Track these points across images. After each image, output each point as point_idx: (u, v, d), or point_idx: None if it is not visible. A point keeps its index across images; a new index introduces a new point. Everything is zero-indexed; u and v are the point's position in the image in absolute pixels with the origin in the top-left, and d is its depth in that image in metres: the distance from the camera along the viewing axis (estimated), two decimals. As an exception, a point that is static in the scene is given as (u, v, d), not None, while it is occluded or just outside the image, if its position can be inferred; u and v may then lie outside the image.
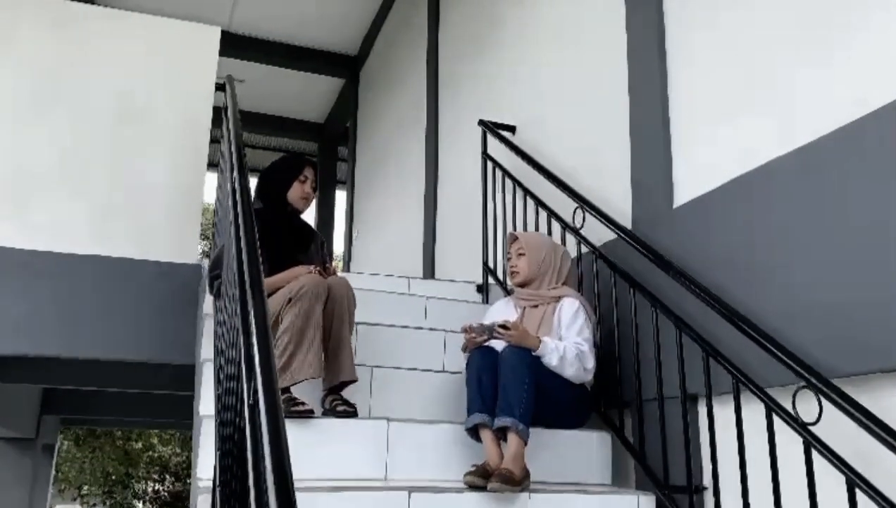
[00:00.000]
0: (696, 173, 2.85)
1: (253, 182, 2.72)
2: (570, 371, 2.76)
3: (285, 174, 3.23)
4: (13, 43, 3.93)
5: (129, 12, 4.23)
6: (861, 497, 1.83)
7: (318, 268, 2.92)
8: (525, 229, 3.71)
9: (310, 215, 9.72)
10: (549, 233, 3.41)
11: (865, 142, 2.10)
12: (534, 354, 2.71)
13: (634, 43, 3.31)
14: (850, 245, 2.11)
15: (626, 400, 2.89)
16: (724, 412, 2.38)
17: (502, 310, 3.14)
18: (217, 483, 1.77)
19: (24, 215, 3.71)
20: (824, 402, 1.94)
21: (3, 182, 3.74)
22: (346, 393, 2.80)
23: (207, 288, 2.98)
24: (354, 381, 2.80)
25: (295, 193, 3.21)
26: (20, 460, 8.00)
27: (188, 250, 3.85)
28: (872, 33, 2.18)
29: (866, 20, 2.21)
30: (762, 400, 2.14)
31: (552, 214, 3.47)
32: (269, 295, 2.74)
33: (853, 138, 2.15)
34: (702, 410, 2.54)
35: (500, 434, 2.58)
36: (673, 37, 3.10)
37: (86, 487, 15.75)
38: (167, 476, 16.10)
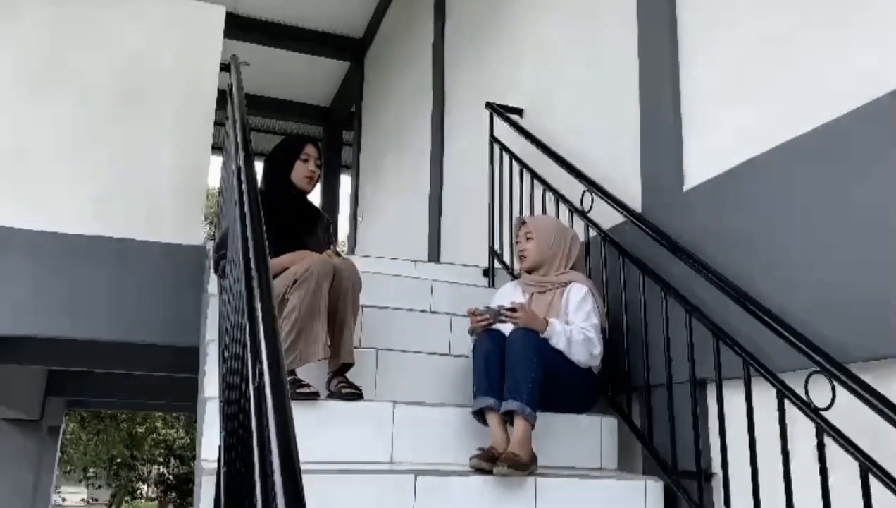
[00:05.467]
0: (706, 156, 2.81)
1: (259, 166, 2.69)
2: (577, 355, 2.74)
3: (286, 155, 3.19)
4: (15, 23, 3.89)
5: (134, -9, 4.19)
6: (874, 483, 1.81)
7: (328, 253, 2.91)
8: (532, 212, 3.67)
9: (315, 199, 9.72)
10: (557, 216, 3.38)
11: (883, 123, 2.06)
12: (541, 336, 2.68)
13: (645, 24, 3.26)
14: (865, 227, 2.07)
15: (635, 385, 2.87)
16: (734, 398, 2.35)
17: (509, 294, 3.11)
18: (222, 464, 1.75)
19: (29, 196, 3.69)
20: (838, 387, 1.91)
21: (6, 163, 3.71)
22: (351, 376, 2.78)
23: (212, 268, 2.96)
24: (352, 364, 2.78)
25: (298, 173, 3.17)
26: (25, 441, 8.02)
27: (193, 231, 3.83)
28: (891, 11, 2.13)
29: (885, -2, 2.16)
30: (774, 385, 2.12)
31: (560, 197, 3.44)
32: (274, 276, 2.72)
33: (870, 120, 2.10)
34: (711, 395, 2.51)
35: (507, 418, 2.56)
36: (684, 17, 3.05)
37: (91, 469, 15.84)
38: (172, 459, 16.19)
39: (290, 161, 3.17)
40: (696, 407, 2.46)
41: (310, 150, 3.19)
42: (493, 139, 4.27)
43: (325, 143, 10.04)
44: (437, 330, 3.30)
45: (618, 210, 2.97)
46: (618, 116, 3.40)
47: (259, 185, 3.15)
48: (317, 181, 3.24)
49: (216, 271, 2.87)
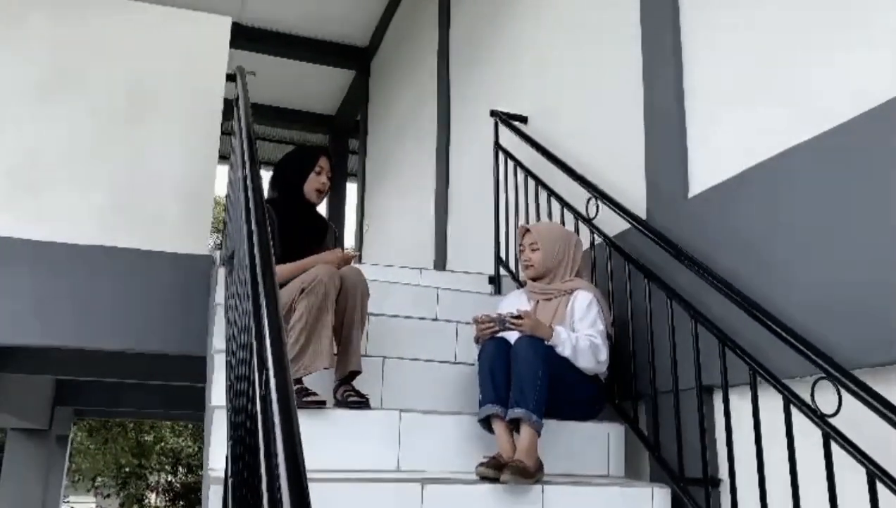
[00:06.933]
0: (711, 163, 2.81)
1: (264, 174, 2.70)
2: (583, 362, 2.74)
3: (301, 166, 3.20)
4: (22, 33, 3.92)
5: (140, 2, 4.22)
6: (882, 490, 1.80)
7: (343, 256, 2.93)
8: (538, 219, 3.67)
9: (321, 208, 9.73)
10: (563, 223, 3.38)
11: (888, 128, 2.06)
12: (547, 343, 2.68)
13: (649, 31, 3.26)
14: (872, 232, 2.07)
15: (641, 392, 2.86)
16: (740, 404, 2.35)
17: (515, 302, 3.11)
18: (229, 473, 1.75)
19: (36, 206, 3.71)
20: (843, 393, 1.91)
21: (14, 173, 3.73)
22: (358, 384, 2.78)
23: (225, 271, 2.97)
24: (359, 373, 2.79)
25: (311, 185, 3.19)
26: (34, 451, 8.05)
27: (199, 240, 3.84)
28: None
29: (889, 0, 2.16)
30: (780, 391, 2.11)
31: (565, 204, 3.44)
32: (285, 284, 2.74)
33: (876, 125, 2.10)
34: (718, 402, 2.51)
35: (513, 426, 2.55)
36: (688, 23, 3.05)
37: (99, 478, 15.86)
38: (179, 468, 16.19)
39: (304, 171, 3.19)
40: (703, 414, 2.46)
41: (323, 162, 3.22)
42: (498, 147, 4.28)
43: (331, 151, 10.05)
44: (443, 338, 3.31)
45: (623, 217, 2.97)
46: (622, 121, 3.40)
47: (268, 193, 3.17)
48: (326, 194, 3.26)
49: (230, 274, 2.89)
